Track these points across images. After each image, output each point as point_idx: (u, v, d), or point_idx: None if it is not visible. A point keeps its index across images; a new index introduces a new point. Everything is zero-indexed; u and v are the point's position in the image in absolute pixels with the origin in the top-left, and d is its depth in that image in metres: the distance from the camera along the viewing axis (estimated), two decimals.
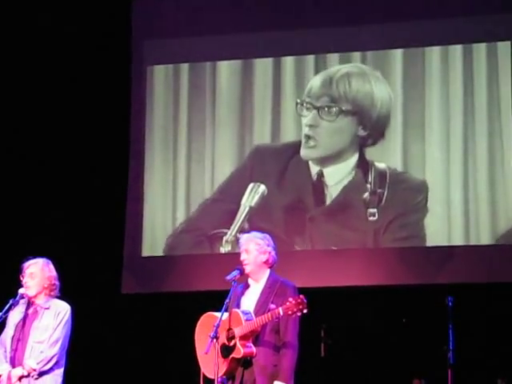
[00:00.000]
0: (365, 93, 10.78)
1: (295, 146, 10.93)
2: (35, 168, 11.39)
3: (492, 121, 10.51)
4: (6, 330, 7.54)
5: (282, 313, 6.92)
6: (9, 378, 7.47)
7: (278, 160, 11.01)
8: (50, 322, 7.59)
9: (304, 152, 10.84)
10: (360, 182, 10.70)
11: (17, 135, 11.45)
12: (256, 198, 10.96)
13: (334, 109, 10.76)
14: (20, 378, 7.48)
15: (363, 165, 10.73)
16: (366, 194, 10.63)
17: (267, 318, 7.00)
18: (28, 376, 7.48)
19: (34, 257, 7.69)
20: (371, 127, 10.71)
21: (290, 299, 6.92)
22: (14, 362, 7.49)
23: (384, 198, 10.63)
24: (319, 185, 10.84)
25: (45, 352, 7.52)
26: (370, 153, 10.72)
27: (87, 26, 11.39)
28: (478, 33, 10.68)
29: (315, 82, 10.95)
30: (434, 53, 10.83)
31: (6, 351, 7.55)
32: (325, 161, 10.84)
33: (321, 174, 10.84)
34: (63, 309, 7.66)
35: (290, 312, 6.90)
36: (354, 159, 10.76)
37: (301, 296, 6.94)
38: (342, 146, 10.79)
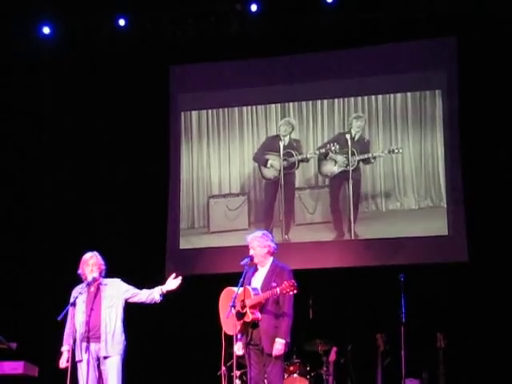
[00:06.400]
0: None
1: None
2: (92, 175, 11.42)
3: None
4: (76, 307, 7.59)
5: (279, 292, 7.13)
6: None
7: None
8: (113, 293, 7.77)
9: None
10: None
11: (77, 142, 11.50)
12: None
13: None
14: None
15: None
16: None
17: (269, 294, 7.21)
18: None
19: (91, 250, 7.89)
20: None
21: (286, 282, 7.08)
22: (89, 324, 7.58)
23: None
24: None
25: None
26: None
27: (140, 84, 11.40)
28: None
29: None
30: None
31: (73, 330, 7.59)
32: None
33: None
34: (118, 279, 7.90)
35: (284, 292, 7.09)
36: None
37: (293, 280, 7.11)
38: None
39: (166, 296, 10.13)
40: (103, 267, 7.83)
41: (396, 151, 10.78)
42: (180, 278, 7.83)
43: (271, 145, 11.22)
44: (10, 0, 10.88)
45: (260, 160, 11.26)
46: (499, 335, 9.81)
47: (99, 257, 7.86)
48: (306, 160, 11.07)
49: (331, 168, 10.96)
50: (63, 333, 7.75)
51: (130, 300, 7.90)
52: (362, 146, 10.91)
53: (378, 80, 10.85)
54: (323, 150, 11.03)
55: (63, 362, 7.59)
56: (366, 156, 10.85)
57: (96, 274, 7.74)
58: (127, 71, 11.42)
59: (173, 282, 7.86)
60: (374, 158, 10.83)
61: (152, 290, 7.91)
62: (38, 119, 11.61)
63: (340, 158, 10.93)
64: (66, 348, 7.66)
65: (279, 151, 11.16)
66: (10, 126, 11.52)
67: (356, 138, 10.93)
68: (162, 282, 10.31)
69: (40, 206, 11.50)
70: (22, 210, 11.45)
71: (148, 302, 7.93)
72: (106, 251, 8.15)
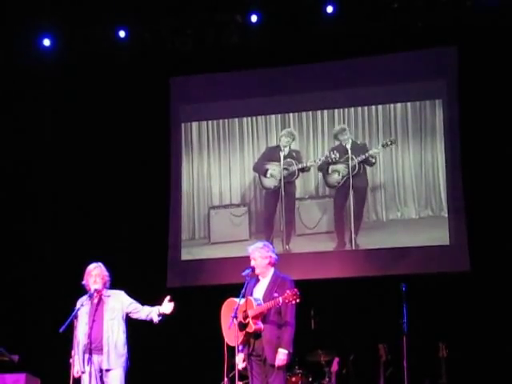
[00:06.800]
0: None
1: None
2: (98, 193, 11.40)
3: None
4: (79, 319, 7.52)
5: (281, 301, 7.10)
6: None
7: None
8: (115, 305, 7.71)
9: None
10: None
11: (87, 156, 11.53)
12: None
13: None
14: None
15: None
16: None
17: (272, 304, 7.17)
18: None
19: (96, 261, 7.80)
20: None
21: (288, 291, 7.06)
22: (91, 336, 7.53)
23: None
24: None
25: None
26: None
27: (140, 96, 11.42)
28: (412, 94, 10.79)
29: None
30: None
31: (76, 342, 7.48)
32: None
33: None
34: (121, 292, 7.85)
35: (287, 301, 7.07)
36: None
37: (295, 289, 7.09)
38: None
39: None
40: (107, 278, 7.75)
41: (389, 143, 10.76)
42: (172, 303, 7.71)
43: (271, 155, 11.20)
44: (11, 12, 10.88)
45: (260, 170, 11.23)
46: (501, 344, 9.77)
47: (103, 268, 7.77)
48: (307, 169, 11.05)
49: (336, 177, 10.93)
50: (68, 344, 7.60)
51: (131, 315, 7.82)
52: (359, 149, 10.88)
53: (378, 90, 10.84)
54: (324, 159, 11.01)
55: (78, 371, 7.51)
56: (363, 157, 10.83)
57: (99, 286, 7.66)
58: (127, 83, 11.42)
59: (168, 306, 7.74)
60: (373, 156, 10.82)
61: (151, 310, 7.81)
62: (39, 131, 11.58)
63: (341, 167, 10.92)
64: (76, 358, 7.56)
65: (279, 161, 11.14)
66: (12, 138, 11.51)
67: (349, 146, 10.91)
68: (164, 294, 10.50)
69: (41, 218, 11.47)
70: (24, 222, 11.42)
71: (147, 320, 7.85)
72: (107, 262, 8.04)
